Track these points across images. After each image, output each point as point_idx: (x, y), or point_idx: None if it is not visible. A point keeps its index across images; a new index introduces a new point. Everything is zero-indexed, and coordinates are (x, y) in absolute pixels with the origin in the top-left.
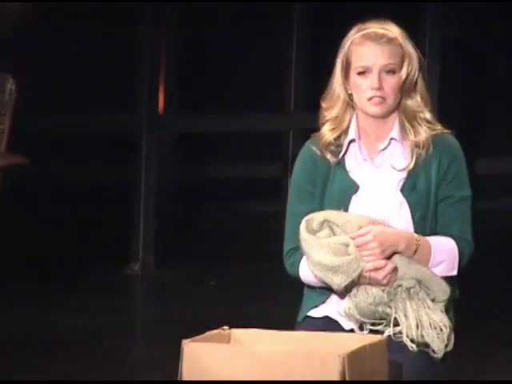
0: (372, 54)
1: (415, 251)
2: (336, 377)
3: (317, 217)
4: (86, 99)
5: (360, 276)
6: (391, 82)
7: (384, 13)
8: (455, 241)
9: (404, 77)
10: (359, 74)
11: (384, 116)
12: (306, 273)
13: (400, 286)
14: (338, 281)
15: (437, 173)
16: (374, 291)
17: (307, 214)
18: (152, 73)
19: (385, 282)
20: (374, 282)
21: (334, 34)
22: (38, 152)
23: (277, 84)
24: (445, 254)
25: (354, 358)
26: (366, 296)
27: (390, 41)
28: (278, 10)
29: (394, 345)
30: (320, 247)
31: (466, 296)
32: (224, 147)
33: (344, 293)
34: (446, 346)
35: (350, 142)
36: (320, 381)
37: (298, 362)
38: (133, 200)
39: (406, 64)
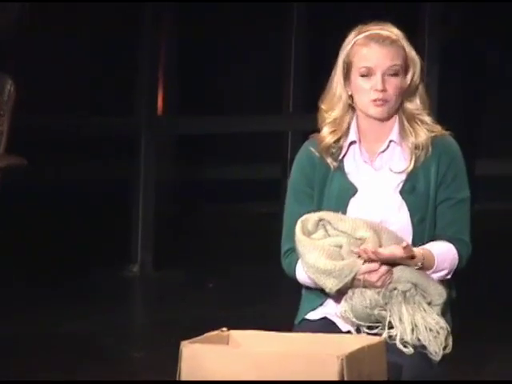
0: (376, 55)
1: (418, 267)
2: (335, 378)
3: (312, 217)
4: (85, 100)
5: (354, 278)
6: (394, 84)
7: (382, 13)
8: (454, 244)
9: (409, 80)
10: (362, 75)
11: (386, 118)
12: (302, 274)
13: (395, 288)
14: (329, 285)
15: (436, 175)
16: (370, 294)
17: (304, 215)
18: (151, 74)
19: (379, 284)
20: (368, 285)
21: (332, 35)
22: (36, 153)
23: (276, 85)
24: (446, 263)
25: (353, 359)
26: (362, 299)
27: (394, 43)
28: (277, 10)
29: (393, 346)
30: (314, 249)
31: (464, 297)
32: (223, 148)
33: (341, 295)
34: (445, 348)
35: (351, 143)
36: (319, 381)
37: (297, 364)
38: (131, 201)
39: (411, 69)
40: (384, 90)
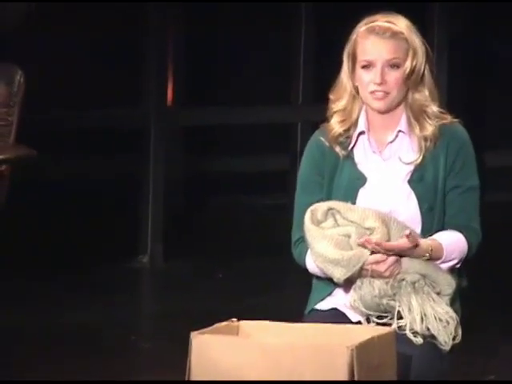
0: (375, 48)
1: (425, 258)
2: (344, 369)
3: (321, 206)
4: (94, 92)
5: (362, 268)
6: (395, 77)
7: (392, 5)
8: (463, 233)
9: (408, 70)
10: (363, 67)
11: (390, 110)
12: (312, 263)
13: (404, 279)
14: (337, 274)
15: (444, 163)
16: (378, 284)
17: (314, 204)
18: (160, 65)
19: (387, 274)
20: (376, 275)
21: (342, 26)
22: (45, 145)
23: (285, 76)
24: (455, 253)
25: (363, 349)
26: (371, 288)
27: (395, 35)
28: (286, 2)
29: (403, 337)
30: (323, 238)
31: (470, 288)
32: (232, 139)
33: (349, 285)
34: (454, 338)
35: (360, 134)
36: (326, 381)
37: (307, 354)
38: (141, 192)
39: (409, 57)
40: (383, 83)
